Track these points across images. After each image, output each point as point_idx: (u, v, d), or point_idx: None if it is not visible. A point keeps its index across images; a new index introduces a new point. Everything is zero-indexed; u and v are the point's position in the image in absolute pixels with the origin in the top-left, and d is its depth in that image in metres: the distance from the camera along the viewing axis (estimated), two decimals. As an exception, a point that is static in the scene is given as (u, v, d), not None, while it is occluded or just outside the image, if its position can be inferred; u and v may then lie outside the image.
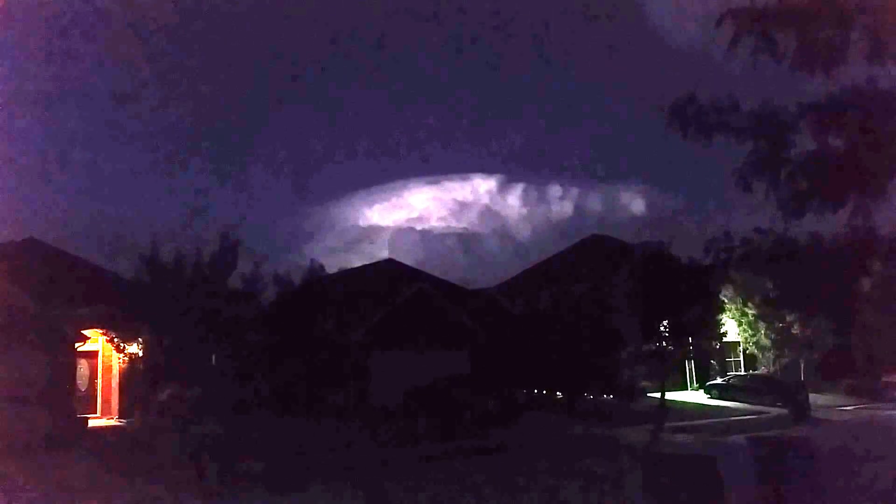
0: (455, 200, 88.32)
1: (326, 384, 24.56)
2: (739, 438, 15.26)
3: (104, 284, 25.26)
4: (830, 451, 13.92)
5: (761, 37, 4.80)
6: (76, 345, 22.81)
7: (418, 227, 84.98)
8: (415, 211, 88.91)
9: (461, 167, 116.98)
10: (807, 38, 4.79)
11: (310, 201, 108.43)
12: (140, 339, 23.29)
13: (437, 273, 36.88)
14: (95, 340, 24.07)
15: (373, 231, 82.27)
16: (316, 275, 26.32)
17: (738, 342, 36.00)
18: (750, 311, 33.39)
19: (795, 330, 32.11)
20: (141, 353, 23.34)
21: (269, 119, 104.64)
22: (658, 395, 26.18)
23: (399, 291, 29.54)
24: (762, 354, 34.64)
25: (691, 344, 28.70)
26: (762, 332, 33.61)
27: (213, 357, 23.21)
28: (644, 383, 28.54)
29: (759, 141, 5.56)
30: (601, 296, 28.90)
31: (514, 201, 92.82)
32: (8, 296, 20.86)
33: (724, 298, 31.75)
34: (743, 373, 34.99)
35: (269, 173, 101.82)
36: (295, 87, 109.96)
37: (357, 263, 39.02)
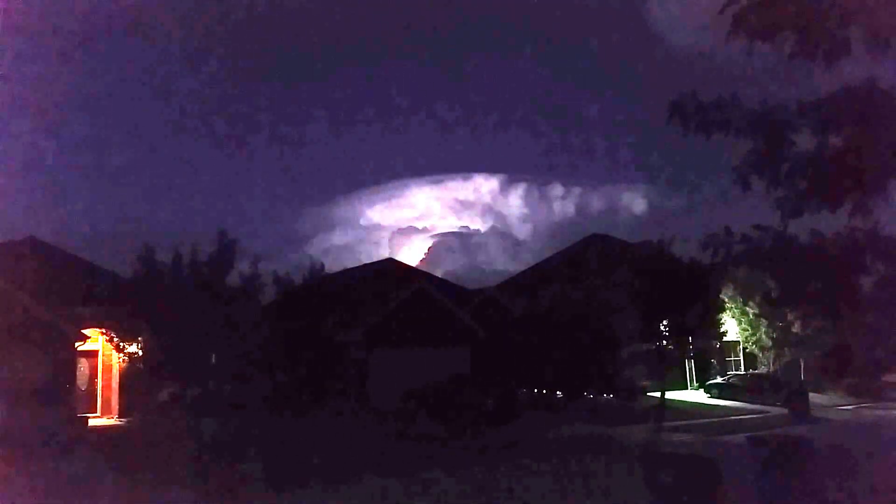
0: (456, 200, 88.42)
1: (326, 383, 24.55)
2: (739, 438, 15.28)
3: (104, 284, 25.26)
4: (830, 451, 13.93)
5: (761, 26, 4.79)
6: (76, 344, 22.81)
7: (419, 227, 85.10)
8: (416, 210, 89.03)
9: (463, 167, 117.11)
10: (807, 28, 4.79)
11: (310, 201, 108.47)
12: (140, 339, 23.26)
13: (437, 272, 37.01)
14: (95, 340, 24.06)
15: (373, 230, 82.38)
16: (316, 274, 26.29)
17: (738, 341, 35.99)
18: (750, 311, 33.38)
19: (796, 329, 32.08)
20: (141, 353, 23.32)
21: (270, 118, 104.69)
22: (658, 394, 26.18)
23: (399, 290, 29.55)
24: (762, 354, 34.63)
25: (691, 343, 28.68)
26: (762, 331, 33.59)
27: (213, 357, 23.17)
28: (644, 383, 28.54)
29: (758, 139, 5.55)
30: (601, 295, 28.89)
31: (515, 201, 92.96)
32: (8, 296, 20.87)
33: (724, 298, 31.73)
34: (743, 372, 34.98)
35: (269, 173, 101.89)
36: (296, 86, 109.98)
37: (357, 263, 39.09)
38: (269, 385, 23.83)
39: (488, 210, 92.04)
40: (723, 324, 32.58)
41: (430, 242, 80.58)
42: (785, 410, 27.10)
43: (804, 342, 32.34)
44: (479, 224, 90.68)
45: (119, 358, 24.14)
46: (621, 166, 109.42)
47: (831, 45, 4.74)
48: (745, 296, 32.80)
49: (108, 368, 25.18)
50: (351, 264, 36.61)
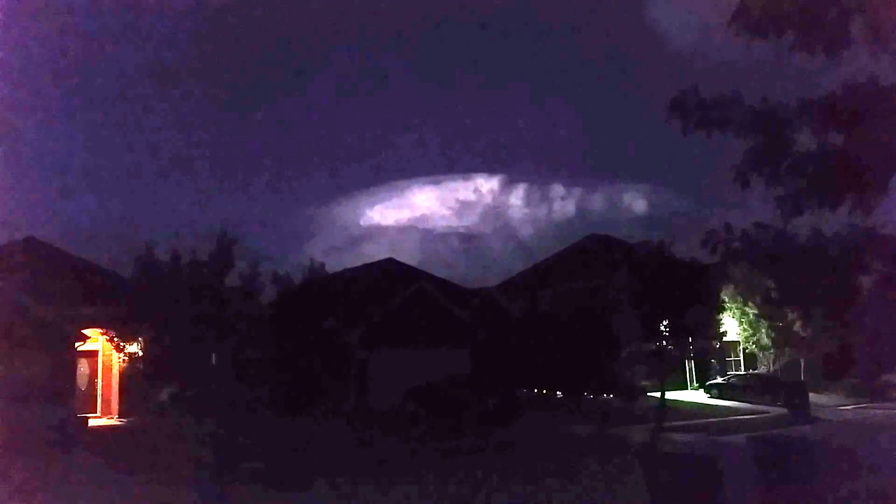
0: (457, 200, 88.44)
1: (327, 383, 24.57)
2: (739, 438, 15.26)
3: (104, 284, 25.25)
4: (830, 451, 13.91)
5: (761, 19, 4.79)
6: (76, 344, 22.80)
7: (420, 227, 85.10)
8: (416, 210, 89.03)
9: (463, 167, 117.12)
10: (807, 21, 4.79)
11: (311, 201, 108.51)
12: (140, 339, 23.28)
13: (438, 273, 37.00)
14: (95, 340, 24.06)
15: (374, 231, 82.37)
16: (316, 274, 26.30)
17: (738, 342, 35.98)
18: (750, 311, 33.36)
19: (796, 329, 32.08)
20: (141, 353, 23.33)
21: (270, 118, 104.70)
22: (658, 394, 26.18)
23: (399, 291, 29.55)
24: (762, 354, 34.62)
25: (691, 344, 28.67)
26: (762, 331, 33.57)
27: (213, 357, 23.19)
28: (644, 383, 28.54)
29: (758, 137, 5.54)
30: (601, 295, 28.91)
31: (515, 201, 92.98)
32: (8, 296, 20.87)
33: (724, 297, 31.73)
34: (743, 372, 34.97)
35: (269, 173, 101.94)
36: (297, 87, 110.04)
37: (358, 263, 39.07)
38: (269, 385, 23.84)
39: (488, 210, 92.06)
40: (722, 324, 32.57)
41: (430, 242, 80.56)
42: (785, 410, 27.10)
43: (804, 342, 32.33)
44: (479, 224, 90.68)
45: (119, 358, 24.16)
46: (621, 166, 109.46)
47: (831, 38, 4.73)
48: (745, 296, 32.79)
49: (108, 368, 25.17)
50: (351, 264, 36.59)
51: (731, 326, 34.29)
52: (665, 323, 26.69)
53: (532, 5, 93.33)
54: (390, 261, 37.81)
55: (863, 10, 4.60)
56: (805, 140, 5.53)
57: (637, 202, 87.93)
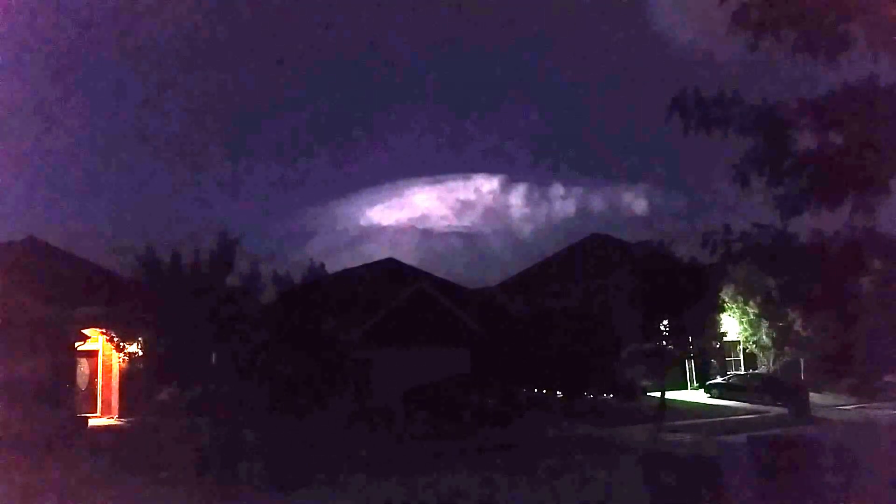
0: (457, 200, 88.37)
1: (327, 383, 24.54)
2: (739, 438, 15.27)
3: (104, 284, 25.25)
4: (830, 451, 13.92)
5: (762, 22, 4.80)
6: (76, 344, 22.81)
7: (420, 227, 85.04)
8: (417, 210, 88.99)
9: (463, 166, 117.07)
10: (807, 24, 4.79)
11: (311, 201, 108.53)
12: (140, 339, 23.26)
13: (438, 273, 36.94)
14: (95, 340, 24.06)
15: (374, 231, 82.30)
16: (317, 274, 26.27)
17: (739, 341, 36.00)
18: (751, 310, 33.38)
19: (796, 329, 32.08)
20: (141, 353, 23.31)
21: (270, 118, 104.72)
22: (658, 394, 26.18)
23: (400, 291, 29.55)
24: (762, 353, 34.64)
25: (691, 343, 28.68)
26: (763, 331, 33.59)
27: (213, 357, 23.18)
28: (644, 383, 28.54)
29: (759, 136, 5.54)
30: (601, 295, 28.91)
31: (516, 201, 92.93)
32: (8, 296, 20.87)
33: (724, 297, 31.74)
34: (743, 372, 35.00)
35: (269, 173, 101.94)
36: (296, 86, 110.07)
37: (358, 263, 39.02)
38: (269, 385, 23.81)
39: (489, 210, 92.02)
40: (722, 324, 32.57)
41: (430, 242, 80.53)
42: (785, 410, 27.11)
43: (804, 342, 32.33)
44: (479, 224, 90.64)
45: (119, 358, 24.14)
46: (621, 166, 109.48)
47: (832, 40, 4.74)
48: (745, 296, 32.80)
49: (108, 368, 25.16)
50: (351, 264, 36.56)
51: (731, 326, 34.30)
52: (665, 323, 26.71)
53: (532, 5, 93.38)
54: (390, 261, 37.76)
55: (863, 11, 4.60)
56: (805, 140, 5.52)
57: (637, 202, 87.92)
